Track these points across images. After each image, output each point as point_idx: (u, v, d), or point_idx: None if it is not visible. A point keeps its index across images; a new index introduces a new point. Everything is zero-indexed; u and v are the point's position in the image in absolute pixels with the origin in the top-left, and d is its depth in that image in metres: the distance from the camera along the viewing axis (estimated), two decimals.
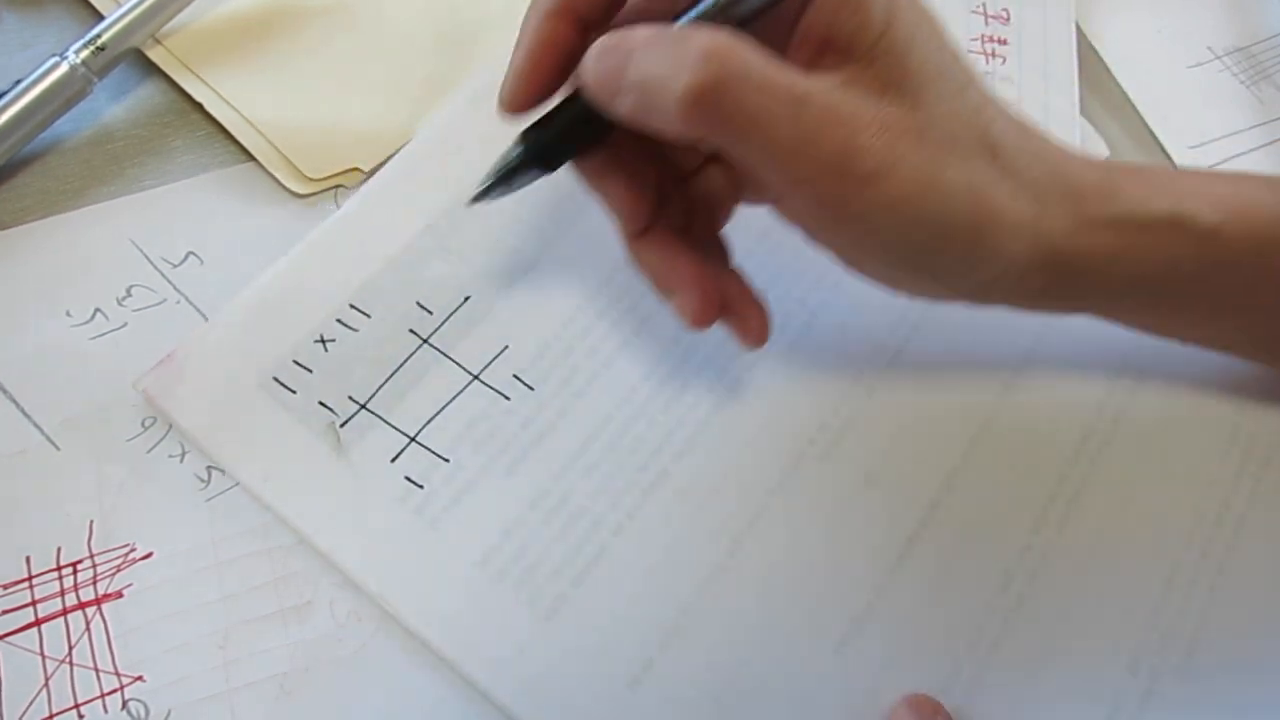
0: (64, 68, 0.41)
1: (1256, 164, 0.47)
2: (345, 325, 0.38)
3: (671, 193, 0.34)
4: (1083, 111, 0.47)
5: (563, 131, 0.31)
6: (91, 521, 0.34)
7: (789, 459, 0.37)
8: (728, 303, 0.34)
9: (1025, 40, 0.49)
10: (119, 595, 0.33)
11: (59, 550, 0.34)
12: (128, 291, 0.38)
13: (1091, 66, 0.50)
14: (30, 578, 0.33)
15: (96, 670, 0.32)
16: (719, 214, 0.36)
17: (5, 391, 0.36)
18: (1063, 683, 0.34)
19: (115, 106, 0.43)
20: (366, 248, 0.39)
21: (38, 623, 0.33)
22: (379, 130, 0.43)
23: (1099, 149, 0.47)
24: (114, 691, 0.32)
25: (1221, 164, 0.47)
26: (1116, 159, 0.34)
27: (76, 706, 0.31)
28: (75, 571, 0.33)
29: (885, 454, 0.37)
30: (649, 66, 0.27)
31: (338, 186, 0.42)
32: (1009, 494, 0.37)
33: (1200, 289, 0.33)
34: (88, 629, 0.33)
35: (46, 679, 0.32)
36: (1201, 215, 0.32)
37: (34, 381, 0.36)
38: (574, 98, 0.31)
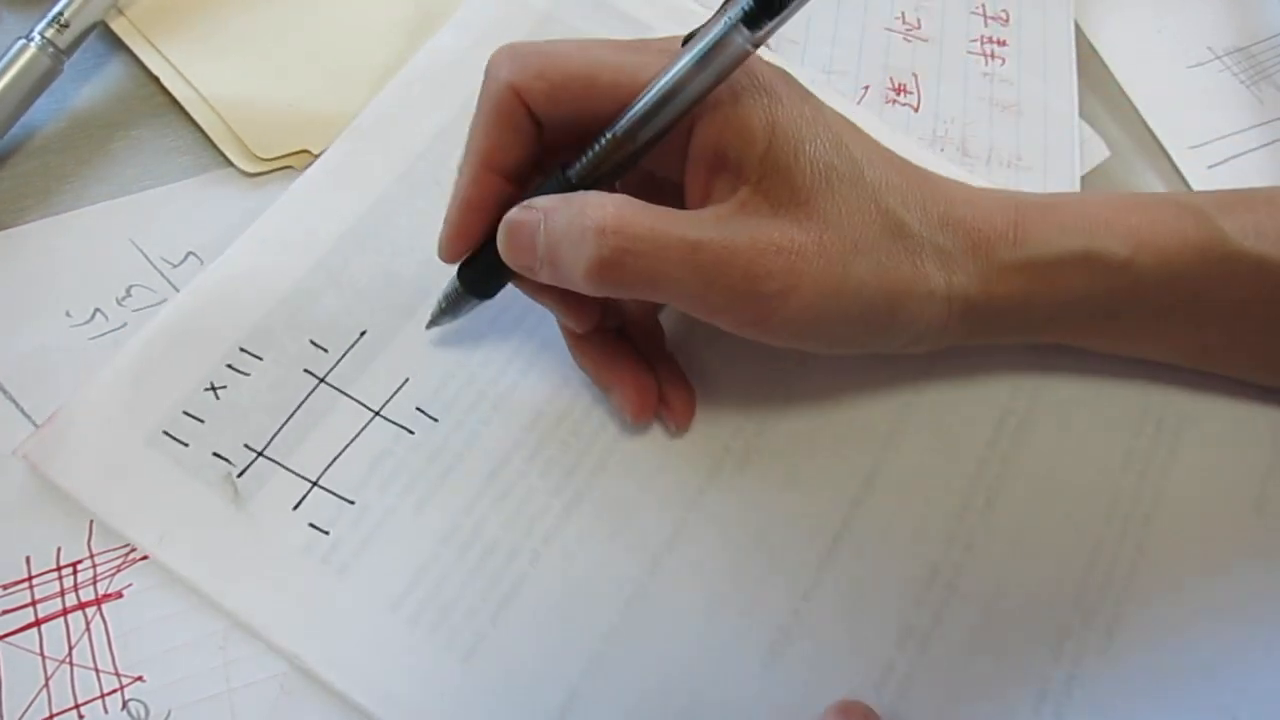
0: (31, 49, 0.40)
1: (1257, 164, 0.47)
2: (236, 370, 0.36)
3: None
4: (1083, 112, 0.47)
5: (492, 268, 0.33)
6: (91, 521, 0.33)
7: (706, 468, 0.36)
8: (660, 391, 0.36)
9: (1025, 40, 0.49)
10: (119, 595, 0.33)
11: (59, 550, 0.33)
12: (128, 291, 0.38)
13: (1091, 66, 0.49)
14: (30, 578, 0.33)
15: (96, 670, 0.32)
16: (654, 308, 0.37)
17: (5, 391, 0.36)
18: (992, 671, 0.33)
19: (88, 88, 0.43)
20: (255, 288, 0.38)
21: (37, 623, 0.32)
22: (331, 113, 0.42)
23: (1099, 149, 0.46)
24: (114, 692, 0.31)
25: (1221, 164, 0.46)
26: (1030, 194, 0.35)
27: (76, 707, 0.31)
28: (75, 572, 0.33)
29: (804, 455, 0.36)
30: (553, 245, 0.30)
31: (287, 168, 0.41)
32: (930, 486, 0.36)
33: (1117, 317, 0.34)
34: (88, 629, 0.32)
35: (46, 679, 0.31)
36: (1111, 250, 0.32)
37: (34, 381, 0.36)
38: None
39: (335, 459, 0.35)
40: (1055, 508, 0.36)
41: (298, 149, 0.42)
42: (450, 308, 0.36)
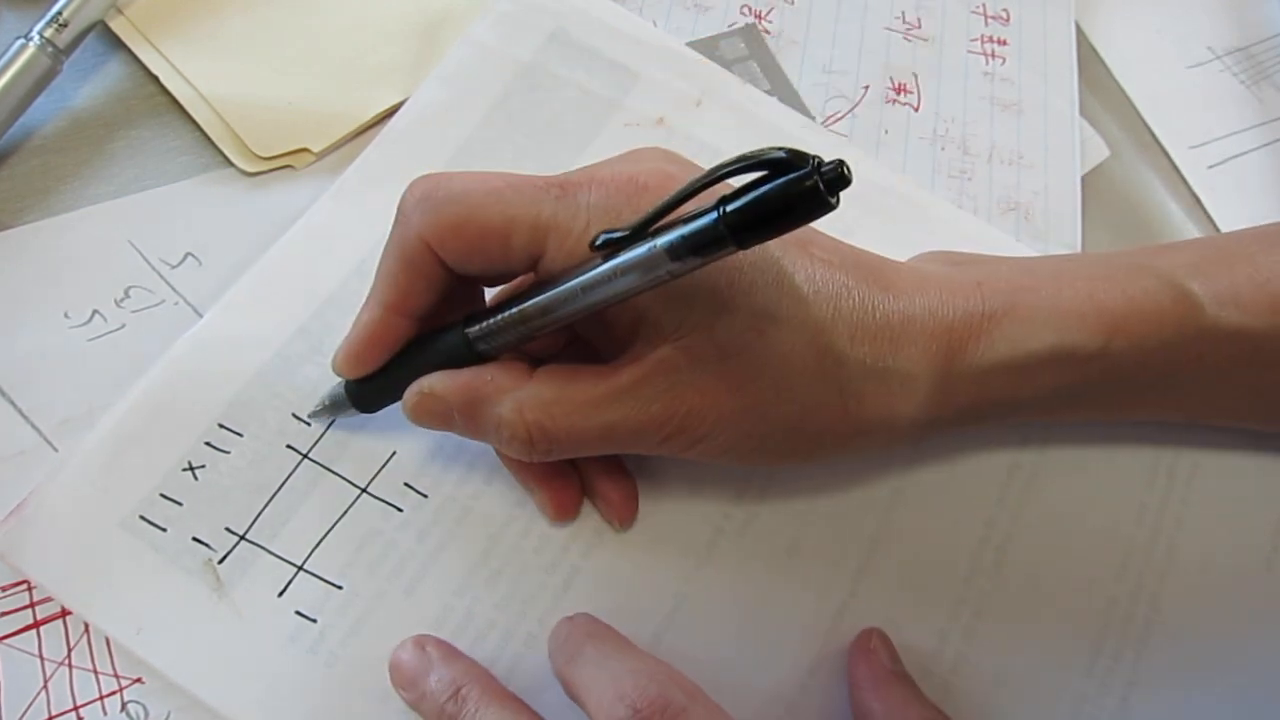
0: (30, 48, 0.39)
1: (1257, 164, 0.45)
2: (215, 448, 0.33)
3: None
4: (1083, 111, 0.45)
5: (381, 393, 0.32)
6: None
7: (705, 538, 0.33)
8: (593, 486, 0.33)
9: (1025, 40, 0.47)
10: None
11: None
12: (126, 293, 0.37)
13: (1091, 66, 0.48)
14: (29, 579, 0.31)
15: (95, 672, 0.30)
16: None
17: (3, 393, 0.34)
18: None
19: (87, 88, 0.42)
20: (233, 359, 0.34)
21: (36, 625, 0.31)
22: (331, 113, 0.41)
23: (1099, 149, 0.45)
24: (113, 694, 0.30)
25: (1221, 164, 0.45)
26: (999, 269, 0.32)
27: (76, 709, 0.30)
28: None
29: (804, 521, 0.34)
30: (474, 430, 0.29)
31: (286, 167, 0.40)
32: (937, 548, 0.34)
33: (1097, 399, 0.32)
34: (86, 631, 0.31)
35: (45, 681, 0.30)
36: (1083, 344, 0.30)
37: (32, 383, 0.35)
38: (395, 366, 0.31)
39: (321, 541, 0.32)
40: (1067, 566, 0.34)
41: (297, 148, 0.40)
42: (333, 409, 0.33)
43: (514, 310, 0.29)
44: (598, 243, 0.26)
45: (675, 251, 0.25)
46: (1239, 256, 0.32)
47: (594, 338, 0.31)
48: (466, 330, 0.30)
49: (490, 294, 0.33)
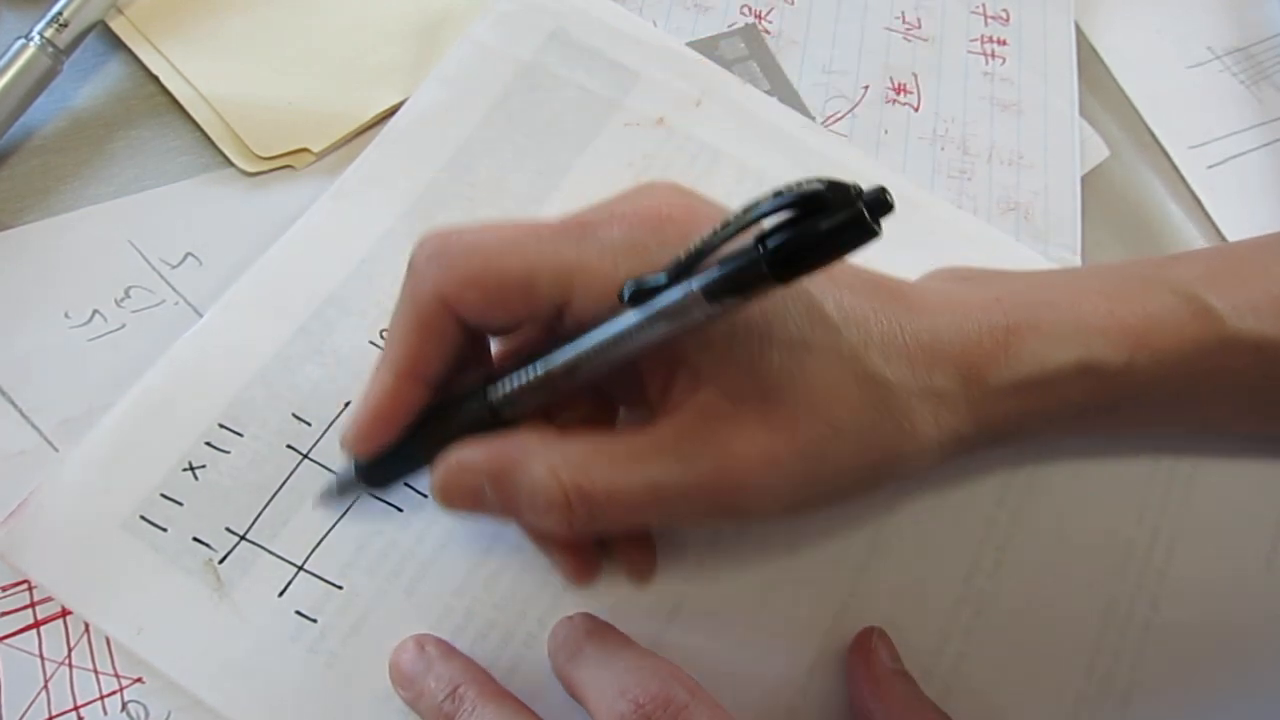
0: (31, 48, 0.39)
1: (1256, 164, 0.45)
2: (215, 448, 0.33)
3: None
4: (1083, 111, 0.45)
5: (395, 469, 0.30)
6: None
7: (706, 538, 0.33)
8: (615, 544, 0.32)
9: (1025, 40, 0.47)
10: None
11: None
12: (126, 293, 0.37)
13: (1091, 66, 0.48)
14: (30, 579, 0.31)
15: (96, 672, 0.30)
16: None
17: (4, 393, 0.34)
18: None
19: (87, 88, 0.41)
20: (233, 359, 0.34)
21: (37, 625, 0.31)
22: (331, 113, 0.41)
23: (1099, 149, 0.45)
24: (114, 693, 0.30)
25: (1221, 164, 0.45)
26: (1020, 286, 0.32)
27: (76, 709, 0.30)
28: None
29: (804, 520, 0.33)
30: (507, 503, 0.27)
31: (287, 167, 0.40)
32: (937, 549, 0.34)
33: (1115, 412, 0.32)
34: (87, 631, 0.31)
35: (46, 681, 0.30)
36: (1108, 358, 0.30)
37: (32, 383, 0.35)
38: (411, 438, 0.29)
39: (321, 540, 0.32)
40: (1067, 566, 0.34)
41: (297, 148, 0.40)
42: (343, 492, 0.31)
43: (540, 370, 0.27)
44: (627, 295, 0.25)
45: (713, 293, 0.24)
46: (1252, 267, 0.32)
47: (618, 390, 0.30)
48: (488, 394, 0.28)
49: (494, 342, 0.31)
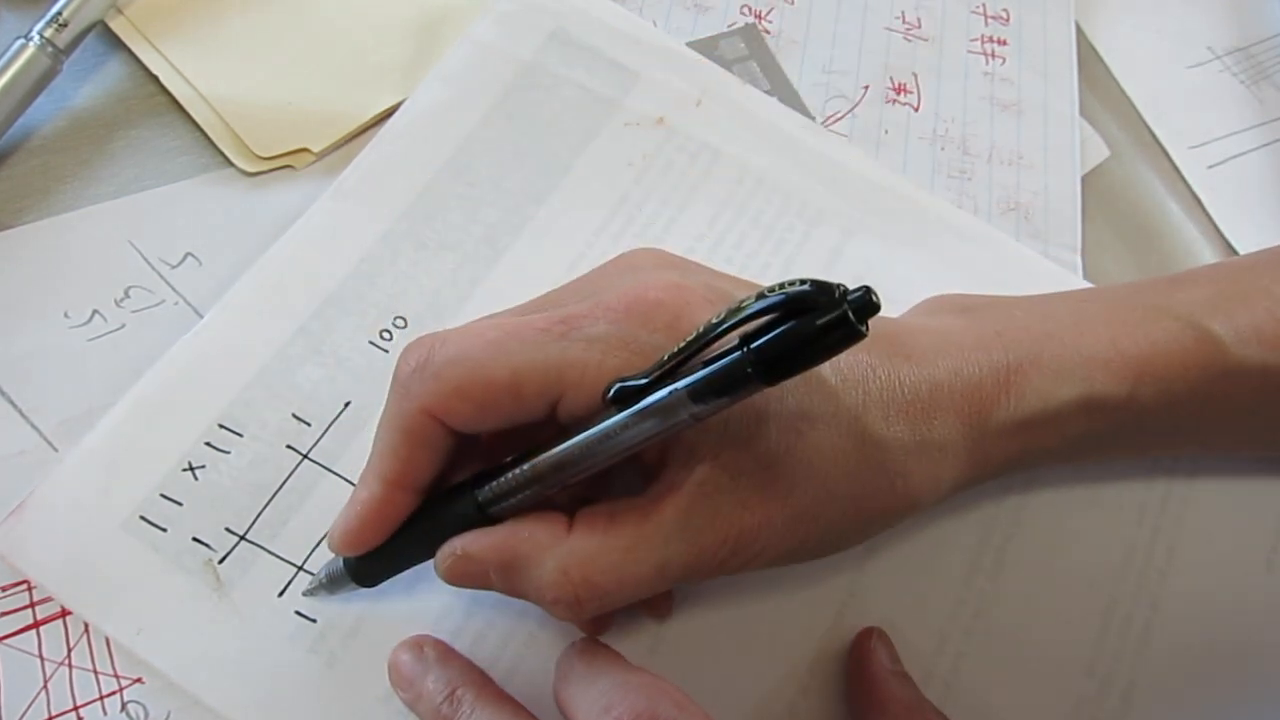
0: (30, 48, 0.39)
1: (1256, 164, 0.45)
2: (215, 448, 0.33)
3: None
4: (1083, 111, 0.45)
5: (383, 567, 0.30)
6: None
7: None
8: None
9: (1025, 40, 0.47)
10: None
11: None
12: (126, 293, 0.37)
13: (1091, 66, 0.48)
14: (29, 579, 0.31)
15: (95, 672, 0.30)
16: None
17: (4, 393, 0.34)
18: None
19: (86, 88, 0.41)
20: (233, 359, 0.34)
21: (36, 625, 0.31)
22: (331, 113, 0.41)
23: (1099, 149, 0.45)
24: (113, 694, 0.30)
25: (1221, 164, 0.45)
26: (1020, 317, 0.32)
27: (76, 709, 0.30)
28: None
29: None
30: (513, 592, 0.27)
31: (286, 167, 0.40)
32: (936, 550, 0.34)
33: (1121, 442, 0.32)
34: (86, 631, 0.31)
35: (45, 681, 0.30)
36: (1111, 392, 0.30)
37: (32, 383, 0.34)
38: (400, 538, 0.29)
39: (321, 541, 0.32)
40: (1067, 566, 0.34)
41: (297, 148, 0.40)
42: (330, 586, 0.31)
43: (526, 468, 0.27)
44: (611, 395, 0.25)
45: (698, 394, 0.24)
46: (1255, 290, 0.32)
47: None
48: (477, 494, 0.28)
49: None
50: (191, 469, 0.33)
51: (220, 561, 0.32)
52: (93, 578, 0.31)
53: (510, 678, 0.30)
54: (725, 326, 0.23)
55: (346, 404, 0.34)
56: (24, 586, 0.32)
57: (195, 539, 0.32)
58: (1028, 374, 0.29)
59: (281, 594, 0.31)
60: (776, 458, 0.26)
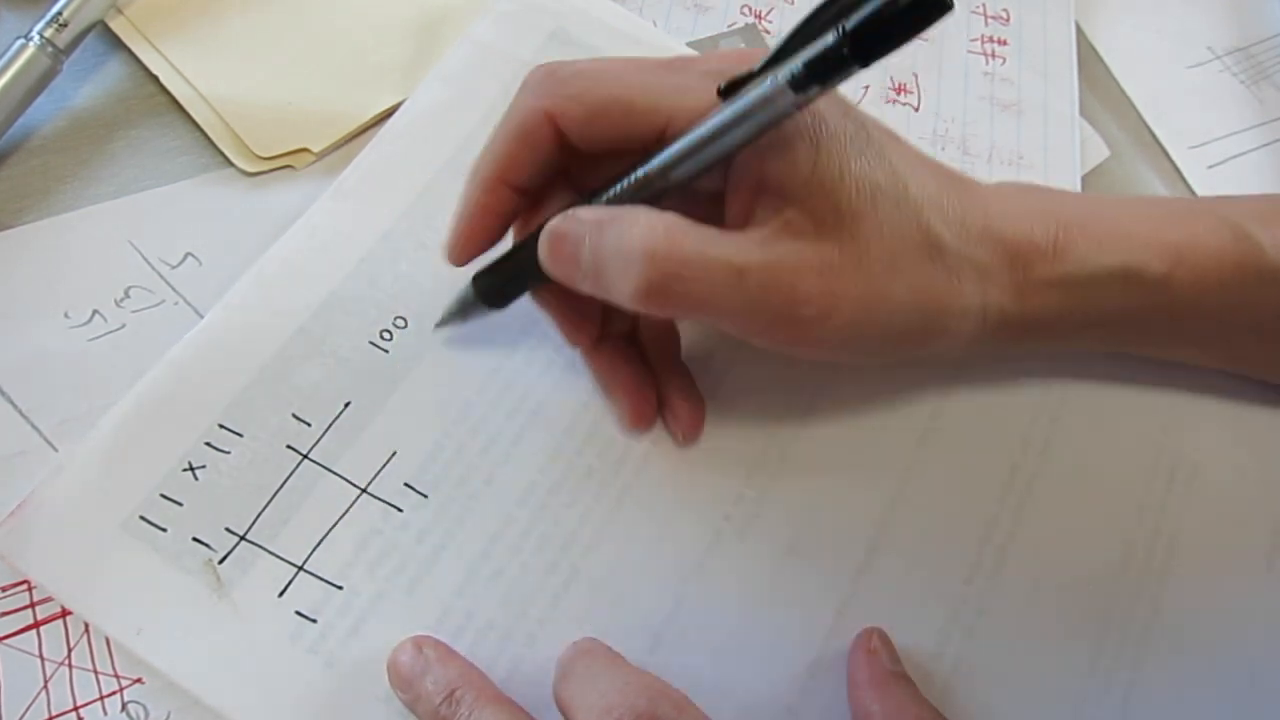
0: (30, 48, 0.39)
1: (1256, 164, 0.46)
2: (215, 448, 0.33)
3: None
4: (1083, 111, 0.46)
5: (509, 281, 0.32)
6: None
7: (705, 539, 0.33)
8: (666, 398, 0.34)
9: (1025, 40, 0.48)
10: None
11: None
12: (126, 293, 0.37)
13: (1091, 66, 0.48)
14: (29, 579, 0.31)
15: (96, 672, 0.30)
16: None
17: (4, 393, 0.34)
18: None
19: (87, 88, 0.41)
20: (233, 359, 0.34)
21: (36, 625, 0.31)
22: (331, 113, 0.41)
23: (1099, 149, 0.45)
24: (113, 694, 0.30)
25: (1221, 164, 0.45)
26: (1069, 201, 0.34)
27: (76, 709, 0.30)
28: None
29: (804, 521, 0.33)
30: (600, 263, 0.28)
31: (286, 167, 0.40)
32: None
33: (1150, 329, 0.34)
34: (86, 631, 0.31)
35: (46, 681, 0.30)
36: (1150, 267, 0.31)
37: (32, 383, 0.34)
38: (520, 248, 0.32)
39: (321, 541, 0.32)
40: (1067, 566, 0.34)
41: (297, 148, 0.40)
42: (461, 311, 0.34)
43: (638, 173, 0.29)
44: (723, 88, 0.27)
45: (797, 81, 0.25)
46: None
47: (708, 207, 0.31)
48: (591, 201, 0.30)
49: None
50: (191, 469, 0.33)
51: (220, 561, 0.32)
52: (93, 578, 0.31)
53: (510, 678, 0.30)
54: (826, 16, 0.25)
55: (346, 404, 0.34)
56: (24, 586, 0.32)
57: (195, 539, 0.32)
58: (1074, 237, 0.31)
59: (281, 594, 0.31)
60: (855, 213, 0.28)
